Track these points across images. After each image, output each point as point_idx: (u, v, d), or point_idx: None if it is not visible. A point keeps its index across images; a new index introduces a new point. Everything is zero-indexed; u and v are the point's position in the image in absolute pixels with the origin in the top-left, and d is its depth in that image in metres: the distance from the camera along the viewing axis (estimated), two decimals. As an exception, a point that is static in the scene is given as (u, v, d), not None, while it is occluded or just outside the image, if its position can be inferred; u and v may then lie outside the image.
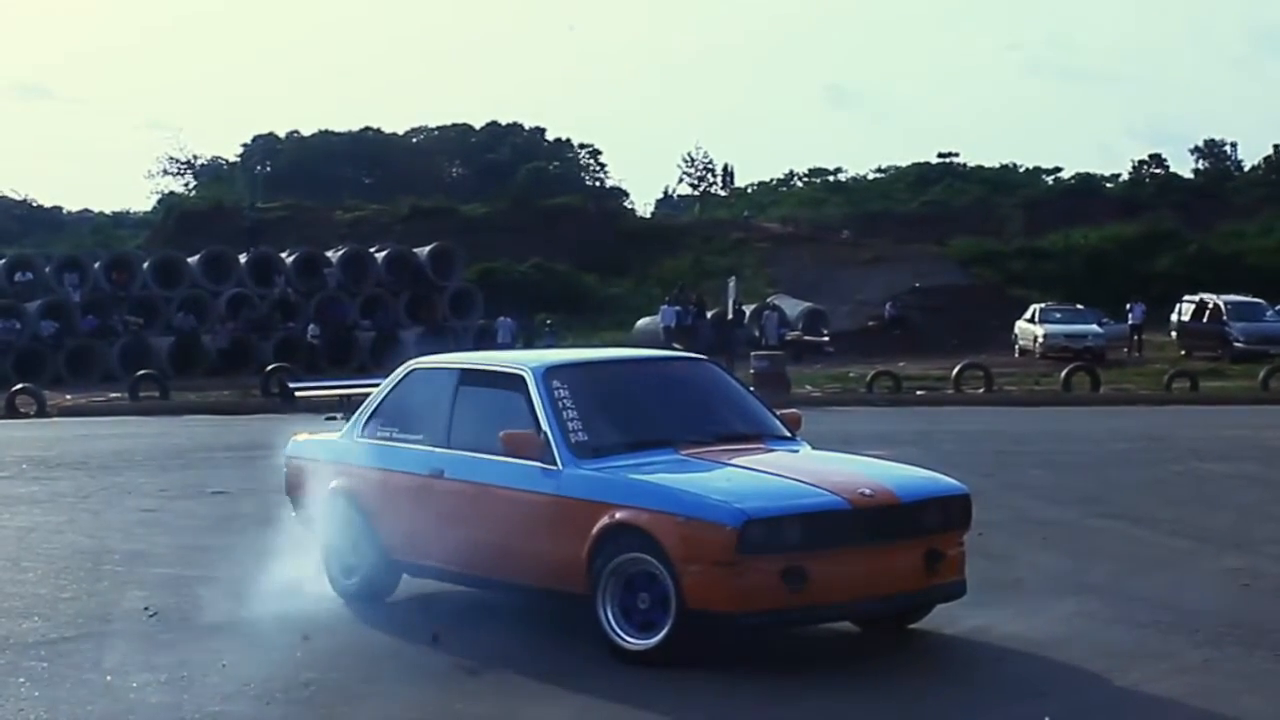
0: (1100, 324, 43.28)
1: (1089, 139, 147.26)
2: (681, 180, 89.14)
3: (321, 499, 9.76)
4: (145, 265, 45.79)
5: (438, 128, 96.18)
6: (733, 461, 8.43)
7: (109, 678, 7.87)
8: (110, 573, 10.91)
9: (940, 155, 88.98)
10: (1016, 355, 43.03)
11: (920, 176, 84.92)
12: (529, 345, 36.54)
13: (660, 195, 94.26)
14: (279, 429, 10.95)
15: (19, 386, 32.13)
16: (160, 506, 14.67)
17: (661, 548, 7.82)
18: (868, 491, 8.06)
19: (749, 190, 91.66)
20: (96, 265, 45.37)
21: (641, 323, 46.17)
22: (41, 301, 42.92)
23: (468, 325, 45.19)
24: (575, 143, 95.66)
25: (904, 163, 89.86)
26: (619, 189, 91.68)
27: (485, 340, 41.23)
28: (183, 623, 9.04)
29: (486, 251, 54.63)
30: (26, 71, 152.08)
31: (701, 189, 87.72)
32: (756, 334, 42.21)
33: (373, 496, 9.44)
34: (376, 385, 10.10)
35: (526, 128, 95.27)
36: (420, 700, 7.52)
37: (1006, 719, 7.23)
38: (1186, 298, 43.63)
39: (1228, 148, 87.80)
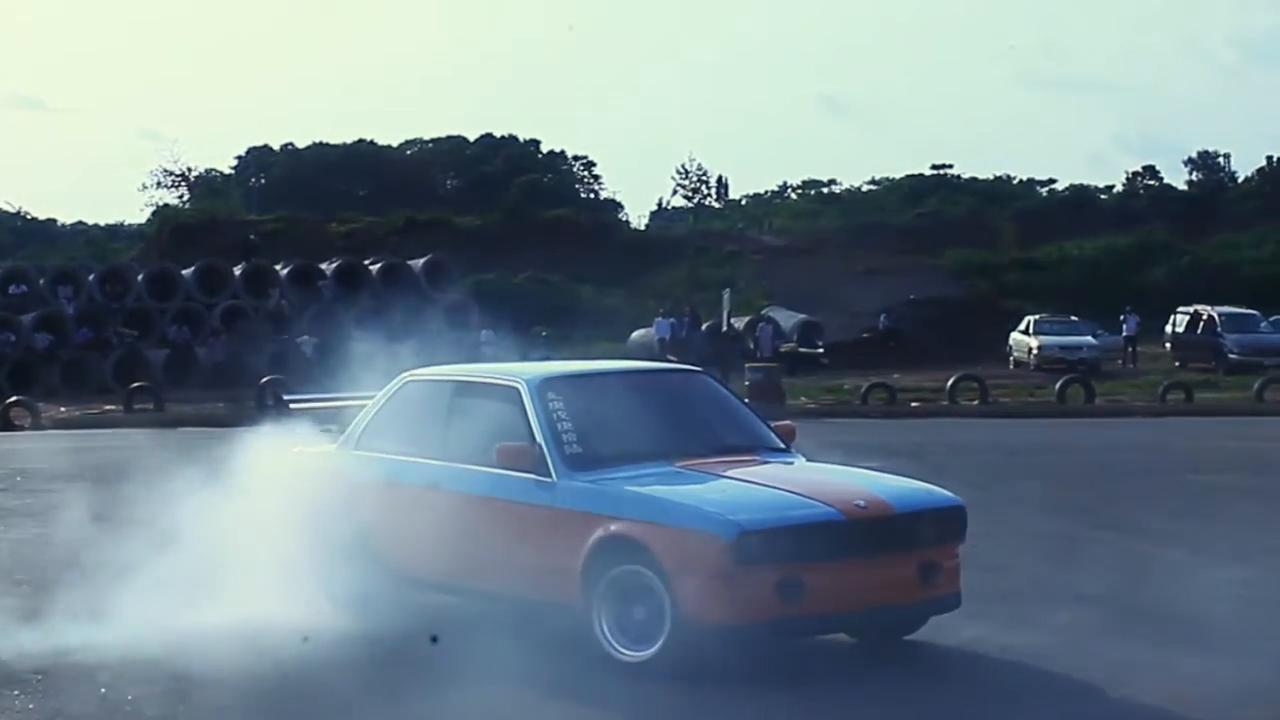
0: (1095, 335, 43.33)
1: (1083, 151, 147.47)
2: (676, 192, 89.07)
3: (317, 511, 9.75)
4: (139, 277, 45.71)
5: (432, 140, 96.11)
6: (727, 473, 8.44)
7: (104, 690, 7.86)
8: (106, 584, 10.86)
9: (934, 167, 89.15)
10: (1011, 367, 43.04)
11: (914, 188, 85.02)
12: (523, 357, 36.46)
13: (654, 207, 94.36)
14: (273, 441, 10.92)
15: (13, 399, 32.07)
16: (156, 518, 14.62)
17: (656, 559, 7.83)
18: (862, 503, 8.08)
19: (743, 202, 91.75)
20: (91, 277, 45.30)
21: (636, 335, 46.13)
22: (36, 314, 42.85)
23: (460, 338, 45.15)
24: (570, 155, 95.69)
25: (898, 174, 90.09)
26: (614, 201, 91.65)
27: (477, 352, 41.17)
28: (179, 634, 9.02)
29: (481, 264, 54.61)
30: (19, 83, 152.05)
31: (696, 200, 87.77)
32: (751, 346, 42.19)
33: (368, 508, 9.43)
34: (371, 398, 10.09)
35: (521, 139, 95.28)
36: (417, 713, 7.51)
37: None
38: (1181, 309, 43.66)
39: (1221, 159, 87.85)
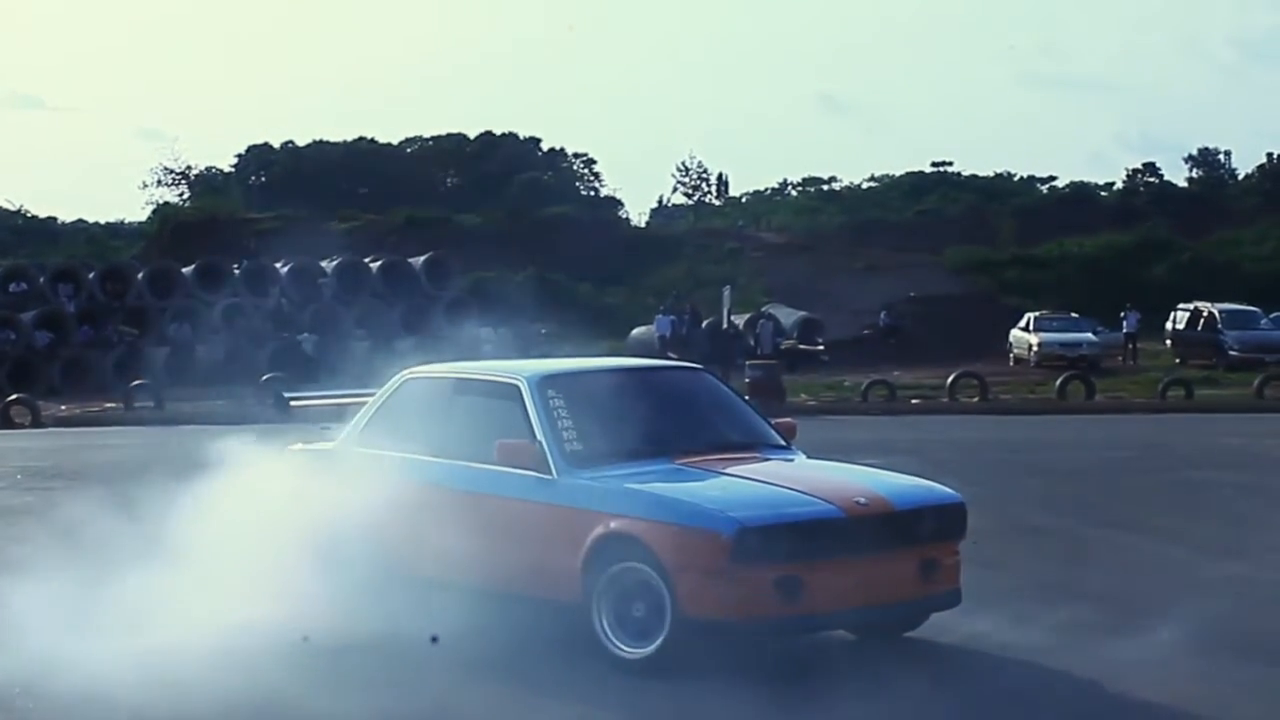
0: (1095, 332, 43.37)
1: (1083, 148, 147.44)
2: (676, 189, 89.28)
3: (316, 509, 9.74)
4: (140, 275, 45.74)
5: (432, 138, 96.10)
6: (728, 471, 8.44)
7: (104, 690, 7.85)
8: (103, 584, 10.86)
9: (934, 164, 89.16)
10: (1011, 364, 43.06)
11: (914, 185, 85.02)
12: (523, 355, 36.42)
13: (655, 204, 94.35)
14: (273, 439, 10.93)
15: (14, 397, 32.08)
16: (154, 517, 14.61)
17: (656, 556, 7.83)
18: (863, 500, 8.08)
19: (743, 199, 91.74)
20: (91, 276, 45.33)
21: (636, 332, 46.11)
22: (36, 312, 42.89)
23: (460, 335, 45.10)
24: (570, 152, 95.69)
25: (898, 172, 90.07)
26: (614, 198, 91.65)
27: (477, 350, 41.13)
28: (178, 633, 9.01)
29: (482, 262, 54.61)
30: (19, 82, 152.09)
31: (696, 198, 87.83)
32: (752, 343, 42.21)
33: (368, 506, 9.43)
34: (371, 395, 10.09)
35: (521, 137, 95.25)
36: (417, 713, 7.51)
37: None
38: (1181, 306, 43.70)
39: (1221, 156, 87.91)
